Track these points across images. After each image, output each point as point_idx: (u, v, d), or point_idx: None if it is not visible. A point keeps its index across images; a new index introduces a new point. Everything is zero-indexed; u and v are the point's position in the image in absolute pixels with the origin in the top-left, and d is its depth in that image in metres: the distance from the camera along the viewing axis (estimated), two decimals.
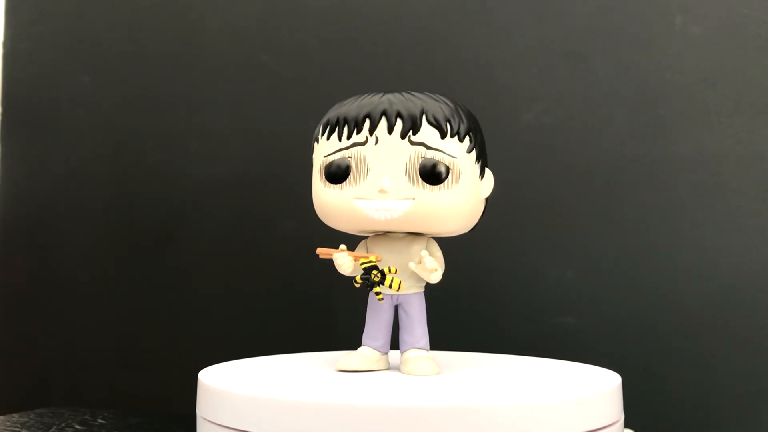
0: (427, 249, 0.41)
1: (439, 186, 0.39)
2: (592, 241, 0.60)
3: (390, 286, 0.40)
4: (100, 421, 0.59)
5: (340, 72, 0.67)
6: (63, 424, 0.57)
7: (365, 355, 0.41)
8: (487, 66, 0.63)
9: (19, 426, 0.56)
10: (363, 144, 0.40)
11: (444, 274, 0.41)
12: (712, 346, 0.57)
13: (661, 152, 0.59)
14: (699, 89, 0.58)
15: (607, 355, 0.51)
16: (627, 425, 0.41)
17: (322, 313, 0.66)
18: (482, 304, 0.62)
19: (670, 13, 0.59)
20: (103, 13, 0.75)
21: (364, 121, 0.40)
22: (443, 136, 0.39)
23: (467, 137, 0.40)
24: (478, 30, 0.64)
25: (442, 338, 0.43)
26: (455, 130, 0.39)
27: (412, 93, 0.40)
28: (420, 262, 0.40)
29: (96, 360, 0.73)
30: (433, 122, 0.39)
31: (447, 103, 0.40)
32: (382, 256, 0.40)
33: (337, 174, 0.40)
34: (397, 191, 0.39)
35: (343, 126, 0.40)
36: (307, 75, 0.68)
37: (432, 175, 0.39)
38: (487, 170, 0.41)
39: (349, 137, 0.40)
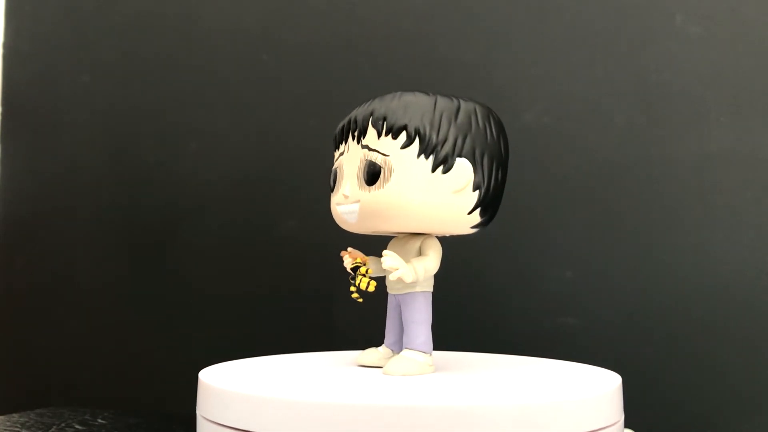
0: (421, 247, 0.41)
1: (374, 186, 0.39)
2: (591, 242, 0.60)
3: (359, 286, 0.40)
4: (100, 421, 0.59)
5: (340, 72, 0.67)
6: (63, 424, 0.57)
7: (378, 352, 0.43)
8: (487, 66, 0.63)
9: (19, 426, 0.56)
10: (343, 154, 0.41)
11: (444, 274, 0.41)
12: (712, 346, 0.57)
13: (661, 152, 0.59)
14: (699, 89, 0.58)
15: (607, 356, 0.51)
16: (627, 425, 0.41)
17: (322, 313, 0.66)
18: (482, 304, 0.62)
19: (670, 13, 0.59)
20: (103, 14, 0.75)
21: (342, 132, 0.42)
22: (379, 135, 0.40)
23: (403, 133, 0.39)
24: (478, 30, 0.64)
25: (442, 338, 0.43)
26: (388, 128, 0.39)
27: (383, 96, 0.41)
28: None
29: (96, 360, 0.73)
30: (372, 123, 0.40)
31: (397, 100, 0.40)
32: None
33: (332, 183, 0.42)
34: (352, 195, 0.40)
35: (335, 139, 0.43)
36: (307, 75, 0.68)
37: (366, 176, 0.40)
38: (459, 162, 0.39)
39: (338, 148, 0.42)
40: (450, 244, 0.42)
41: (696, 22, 0.59)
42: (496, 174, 0.41)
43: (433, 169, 0.39)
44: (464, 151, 0.40)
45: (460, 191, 0.40)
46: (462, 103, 0.40)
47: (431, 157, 0.39)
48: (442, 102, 0.40)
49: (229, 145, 0.70)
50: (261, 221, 0.69)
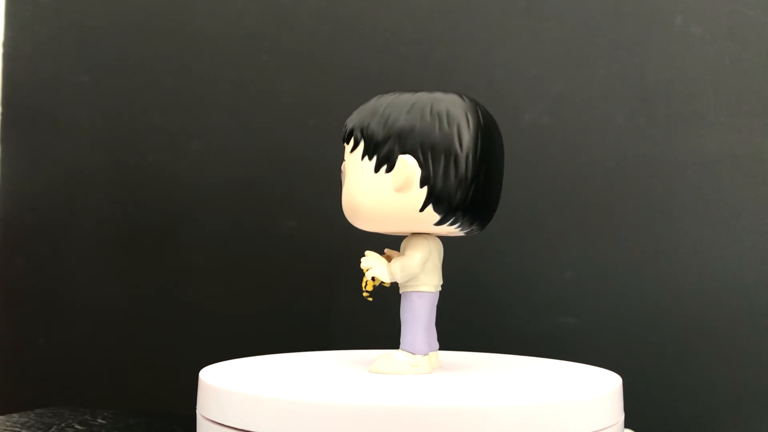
0: (406, 246, 0.41)
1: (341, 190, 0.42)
2: (592, 241, 0.60)
3: (363, 284, 0.41)
4: (100, 421, 0.59)
5: (340, 72, 0.67)
6: (63, 424, 0.57)
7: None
8: (487, 66, 0.63)
9: (19, 426, 0.56)
10: None
11: (444, 274, 0.41)
12: (711, 346, 0.57)
13: (661, 152, 0.59)
14: (699, 89, 0.58)
15: (607, 356, 0.51)
16: (627, 425, 0.41)
17: (322, 312, 0.66)
18: (482, 304, 0.62)
19: (670, 13, 0.59)
20: (102, 14, 0.75)
21: None
22: (342, 141, 0.41)
23: (352, 138, 0.40)
24: (478, 30, 0.64)
25: (442, 338, 0.43)
26: (344, 134, 0.41)
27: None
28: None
29: (96, 360, 0.73)
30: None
31: (362, 105, 0.41)
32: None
33: None
34: None
35: None
36: (307, 75, 0.68)
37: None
38: (401, 159, 0.39)
39: None
40: (450, 244, 0.42)
41: (696, 22, 0.59)
42: (455, 167, 0.38)
43: (377, 169, 0.39)
44: (409, 147, 0.39)
45: (403, 188, 0.39)
46: (422, 96, 0.39)
47: (374, 158, 0.40)
48: (399, 99, 0.40)
49: (229, 145, 0.70)
50: (261, 221, 0.69)
